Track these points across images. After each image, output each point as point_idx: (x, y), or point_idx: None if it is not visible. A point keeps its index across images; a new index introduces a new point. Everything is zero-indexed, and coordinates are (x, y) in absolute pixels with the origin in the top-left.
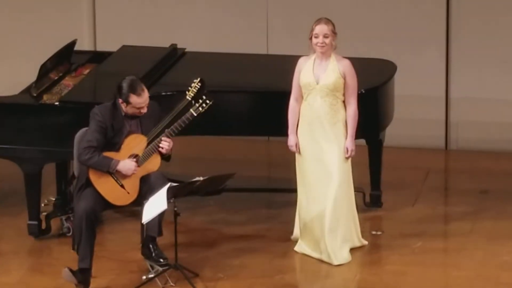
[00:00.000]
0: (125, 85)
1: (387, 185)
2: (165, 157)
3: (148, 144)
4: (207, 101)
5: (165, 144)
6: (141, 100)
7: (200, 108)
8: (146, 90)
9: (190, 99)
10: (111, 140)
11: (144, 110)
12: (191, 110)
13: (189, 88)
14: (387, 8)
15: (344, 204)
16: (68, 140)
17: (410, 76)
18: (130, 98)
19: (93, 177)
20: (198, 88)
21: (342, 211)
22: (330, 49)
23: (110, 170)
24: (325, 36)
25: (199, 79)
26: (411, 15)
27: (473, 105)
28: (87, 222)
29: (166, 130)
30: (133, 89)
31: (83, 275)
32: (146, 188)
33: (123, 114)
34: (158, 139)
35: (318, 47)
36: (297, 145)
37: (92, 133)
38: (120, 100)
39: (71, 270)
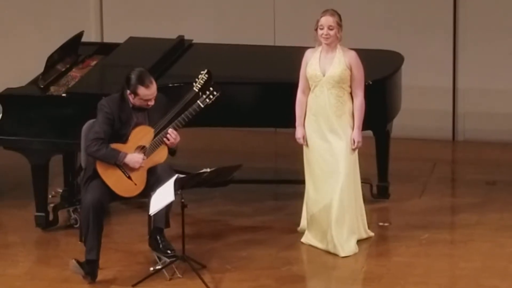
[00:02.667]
0: (133, 76)
1: (394, 176)
2: (171, 151)
3: (155, 135)
4: (214, 93)
5: (171, 136)
6: (149, 92)
7: (207, 100)
8: (154, 82)
9: (197, 90)
10: (118, 132)
11: (152, 103)
12: (198, 101)
13: (196, 79)
14: None
15: (350, 195)
16: (75, 131)
17: (418, 67)
18: (138, 89)
19: (101, 168)
20: (205, 80)
21: (348, 203)
22: (335, 41)
23: (117, 163)
24: (330, 28)
25: (206, 70)
26: (419, 5)
27: (480, 96)
28: (94, 213)
29: (173, 122)
30: (141, 81)
31: (90, 266)
32: (154, 179)
33: (131, 106)
34: (164, 131)
35: (323, 39)
36: (304, 137)
37: (99, 125)
38: (128, 92)
39: (78, 262)
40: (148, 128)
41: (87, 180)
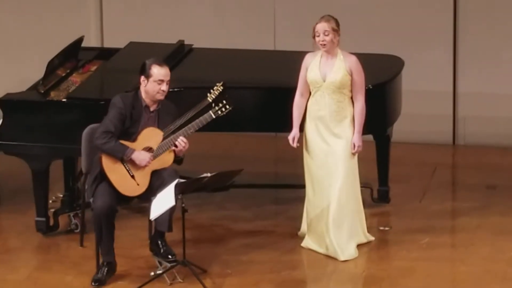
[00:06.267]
0: (148, 61)
1: (394, 180)
2: (177, 160)
3: (164, 139)
4: (227, 106)
5: (181, 143)
6: (162, 71)
7: (220, 112)
8: (168, 67)
9: (210, 101)
10: (128, 130)
11: (165, 88)
12: (211, 112)
13: (211, 90)
14: (394, 4)
15: (349, 199)
16: (75, 136)
17: (418, 71)
18: (152, 68)
19: (106, 162)
20: (220, 92)
21: (347, 207)
22: (333, 47)
23: (124, 157)
24: (325, 34)
25: (221, 82)
26: (419, 10)
27: (481, 100)
28: (106, 219)
29: (182, 129)
30: (155, 61)
31: (109, 267)
32: (159, 183)
33: (144, 104)
34: (174, 135)
35: (320, 45)
36: (294, 138)
37: (111, 119)
38: (142, 78)
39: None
40: (158, 130)
41: (94, 181)
